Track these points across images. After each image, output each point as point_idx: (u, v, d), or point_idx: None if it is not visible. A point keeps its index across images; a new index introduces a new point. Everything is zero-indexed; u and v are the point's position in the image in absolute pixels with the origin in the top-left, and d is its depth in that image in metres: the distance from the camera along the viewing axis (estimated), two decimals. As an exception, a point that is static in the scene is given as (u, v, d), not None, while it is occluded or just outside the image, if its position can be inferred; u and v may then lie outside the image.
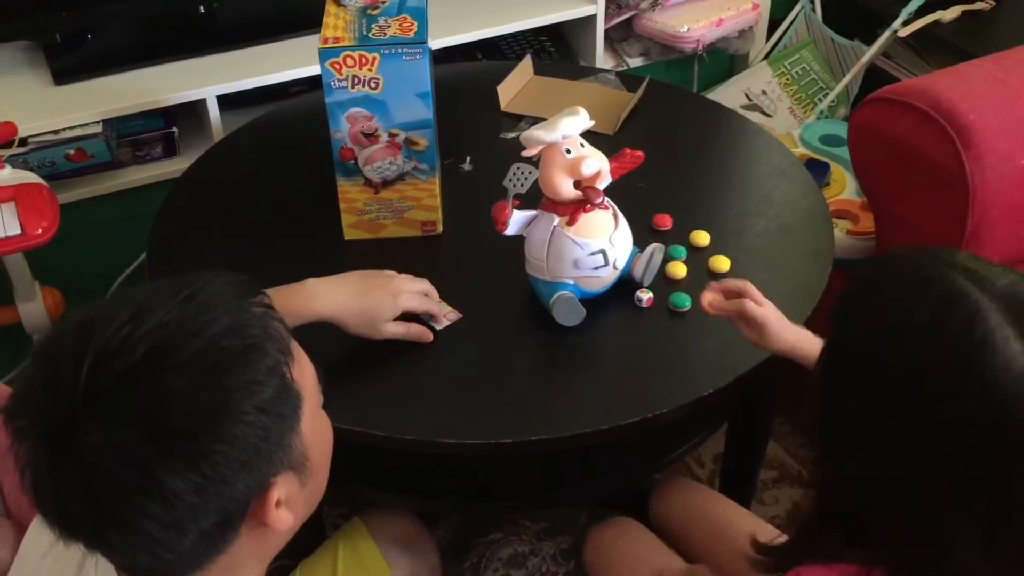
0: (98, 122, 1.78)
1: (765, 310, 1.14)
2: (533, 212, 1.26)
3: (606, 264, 1.25)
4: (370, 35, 1.29)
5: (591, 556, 1.38)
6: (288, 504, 0.76)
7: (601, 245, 1.24)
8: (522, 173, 1.21)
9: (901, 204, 1.49)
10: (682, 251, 1.37)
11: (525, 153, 1.21)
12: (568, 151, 1.20)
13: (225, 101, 1.86)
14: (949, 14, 2.13)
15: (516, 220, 1.25)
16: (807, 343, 1.13)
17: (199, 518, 0.69)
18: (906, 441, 0.75)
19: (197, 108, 1.87)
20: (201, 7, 1.91)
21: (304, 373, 0.77)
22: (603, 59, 2.13)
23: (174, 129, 1.89)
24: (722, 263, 1.35)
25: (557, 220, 1.22)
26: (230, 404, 0.69)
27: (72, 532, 0.70)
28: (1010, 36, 1.99)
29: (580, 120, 1.21)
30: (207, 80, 1.83)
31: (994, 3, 2.16)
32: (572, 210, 1.22)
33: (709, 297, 1.17)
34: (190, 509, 0.68)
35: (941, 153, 1.39)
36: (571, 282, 1.25)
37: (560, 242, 1.23)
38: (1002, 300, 0.73)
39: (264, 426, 0.71)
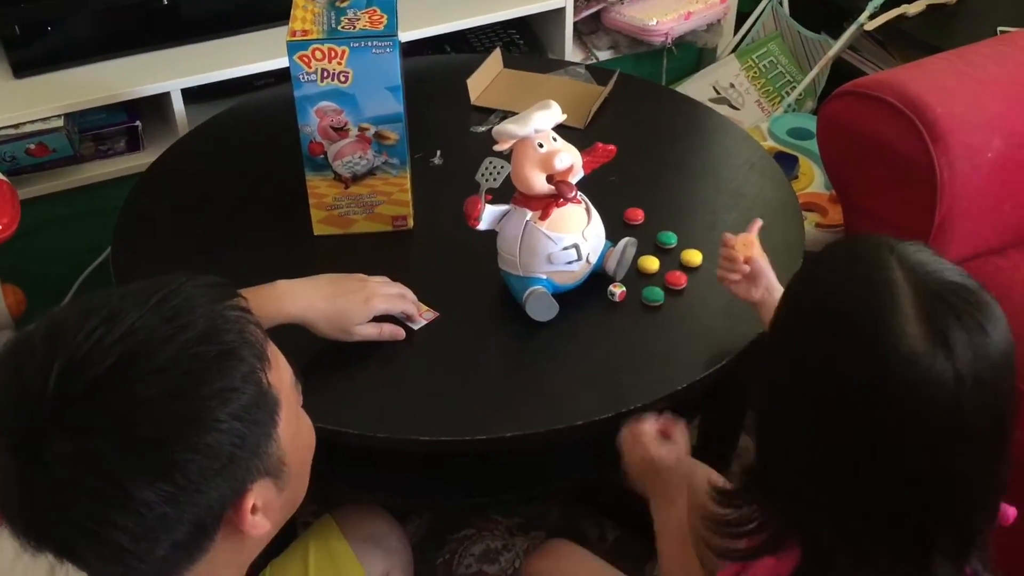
0: (59, 116, 1.75)
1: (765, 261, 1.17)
2: (505, 207, 1.25)
3: (579, 258, 1.24)
4: (339, 28, 1.27)
5: None
6: (265, 510, 0.74)
7: (574, 239, 1.23)
8: (494, 167, 1.20)
9: (870, 197, 1.50)
10: (672, 237, 1.38)
11: (497, 147, 1.20)
12: (540, 145, 1.19)
13: (190, 94, 1.84)
14: (914, 8, 2.15)
15: (488, 215, 1.24)
16: None
17: (172, 528, 0.68)
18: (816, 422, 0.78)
19: (161, 102, 1.84)
20: (164, -1, 1.88)
21: (282, 377, 0.76)
22: (572, 52, 2.13)
23: (138, 123, 1.86)
24: (694, 256, 1.35)
25: (530, 215, 1.22)
26: (204, 412, 0.67)
27: (41, 543, 0.68)
28: (974, 29, 2.01)
29: (552, 114, 1.20)
30: (171, 73, 1.81)
31: (957, -3, 2.18)
32: (545, 204, 1.21)
33: (746, 249, 1.17)
34: (162, 519, 0.67)
35: (909, 146, 1.40)
36: (544, 277, 1.25)
37: (533, 237, 1.22)
38: (924, 290, 0.75)
39: (239, 434, 0.69)
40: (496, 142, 1.21)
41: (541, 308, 1.24)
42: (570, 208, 1.22)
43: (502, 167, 1.20)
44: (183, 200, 1.52)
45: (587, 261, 1.26)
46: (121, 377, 0.66)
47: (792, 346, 0.81)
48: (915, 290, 0.74)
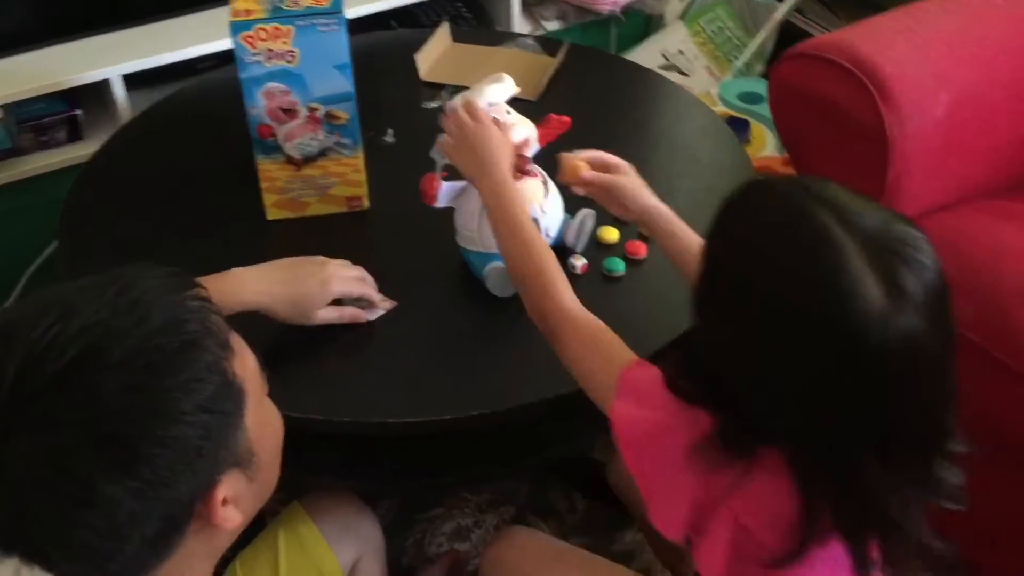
0: (-4, 107, 1.70)
1: (618, 178, 1.16)
2: (462, 183, 1.23)
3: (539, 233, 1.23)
4: (283, 6, 1.24)
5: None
6: (236, 502, 0.73)
7: (532, 213, 1.22)
8: None
9: (822, 159, 1.51)
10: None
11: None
12: (495, 119, 1.18)
13: (131, 80, 1.79)
14: (858, -32, 2.16)
15: (445, 192, 1.23)
16: (663, 213, 1.16)
17: (141, 524, 0.66)
18: (768, 371, 0.77)
19: (101, 89, 1.79)
20: (99, -18, 1.83)
21: (246, 365, 0.74)
22: (520, 24, 2.11)
23: (78, 112, 1.81)
24: (653, 226, 1.35)
25: None
26: (169, 405, 0.66)
27: (6, 547, 0.67)
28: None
29: (506, 87, 1.19)
30: (111, 59, 1.76)
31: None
32: None
33: (573, 173, 1.17)
34: (131, 516, 0.65)
35: (860, 107, 1.40)
36: None
37: None
38: (866, 240, 0.74)
39: (206, 425, 0.68)
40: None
41: (503, 284, 1.24)
42: (527, 182, 1.21)
43: None
44: (130, 190, 1.48)
45: (546, 235, 1.25)
46: (81, 372, 0.64)
47: (737, 306, 0.79)
48: (858, 243, 0.73)
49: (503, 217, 1.07)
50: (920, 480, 0.80)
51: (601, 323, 0.99)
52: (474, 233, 1.23)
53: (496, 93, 1.18)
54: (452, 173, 1.23)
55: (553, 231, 1.26)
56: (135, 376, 0.65)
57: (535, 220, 1.22)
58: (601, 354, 0.96)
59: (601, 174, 1.18)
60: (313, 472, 1.32)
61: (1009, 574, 1.46)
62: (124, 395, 0.64)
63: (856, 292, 0.72)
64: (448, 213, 1.27)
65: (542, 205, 1.23)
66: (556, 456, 1.47)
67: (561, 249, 1.29)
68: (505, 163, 1.10)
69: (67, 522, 0.64)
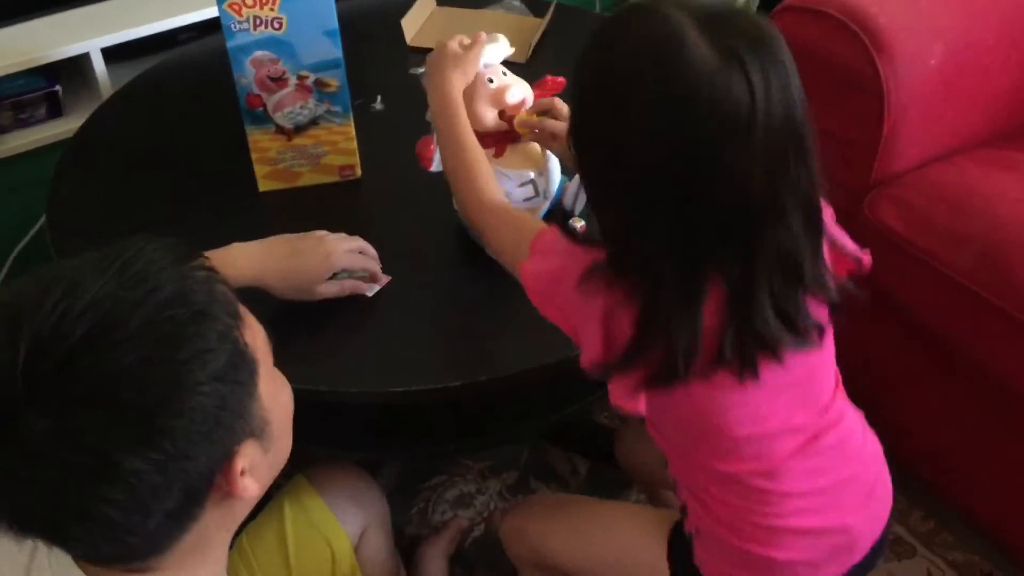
0: (-27, 86, 1.66)
1: (560, 123, 1.18)
2: None
3: (537, 195, 1.22)
4: (268, -28, 1.22)
5: (514, 550, 1.25)
6: (252, 472, 0.72)
7: (531, 176, 1.21)
8: None
9: (817, 110, 1.47)
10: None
11: None
12: (491, 80, 1.16)
13: (110, 54, 1.75)
14: (842, -81, 2.13)
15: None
16: None
17: (163, 498, 0.65)
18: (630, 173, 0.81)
19: (80, 63, 1.75)
20: (73, -46, 1.78)
21: (255, 336, 0.73)
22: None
23: (57, 87, 1.77)
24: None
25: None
26: (184, 376, 0.65)
27: (25, 528, 0.65)
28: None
29: (500, 47, 1.17)
30: (89, 32, 1.72)
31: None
32: (498, 141, 1.18)
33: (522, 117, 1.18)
34: (153, 489, 0.64)
35: (854, 58, 1.39)
36: None
37: None
38: (703, 18, 0.79)
39: (221, 395, 0.67)
40: None
41: None
42: (525, 144, 1.20)
43: None
44: (117, 165, 1.45)
45: (545, 197, 1.23)
46: (94, 348, 0.62)
47: (590, 95, 0.84)
48: (699, 22, 0.78)
49: (444, 128, 1.11)
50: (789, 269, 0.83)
51: (520, 211, 1.09)
52: None
53: (492, 54, 1.16)
54: None
55: (552, 193, 1.24)
56: (149, 349, 0.64)
57: (533, 182, 1.21)
58: (518, 231, 1.01)
59: (545, 119, 1.18)
60: (315, 443, 1.31)
61: (1010, 521, 1.47)
62: (139, 368, 0.63)
63: (687, 56, 0.77)
64: (440, 180, 1.25)
65: (541, 167, 1.21)
66: (556, 420, 1.47)
67: (559, 211, 1.28)
68: (456, 81, 1.13)
69: (90, 499, 0.63)
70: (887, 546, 1.05)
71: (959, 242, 1.38)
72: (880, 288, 1.48)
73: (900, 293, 1.46)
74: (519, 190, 1.21)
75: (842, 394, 1.00)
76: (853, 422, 0.99)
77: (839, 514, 0.96)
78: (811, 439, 0.94)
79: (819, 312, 0.88)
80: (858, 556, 0.98)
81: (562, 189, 1.27)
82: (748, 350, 0.84)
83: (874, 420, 1.62)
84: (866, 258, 0.96)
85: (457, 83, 1.13)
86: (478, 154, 1.09)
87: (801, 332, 0.85)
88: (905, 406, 1.56)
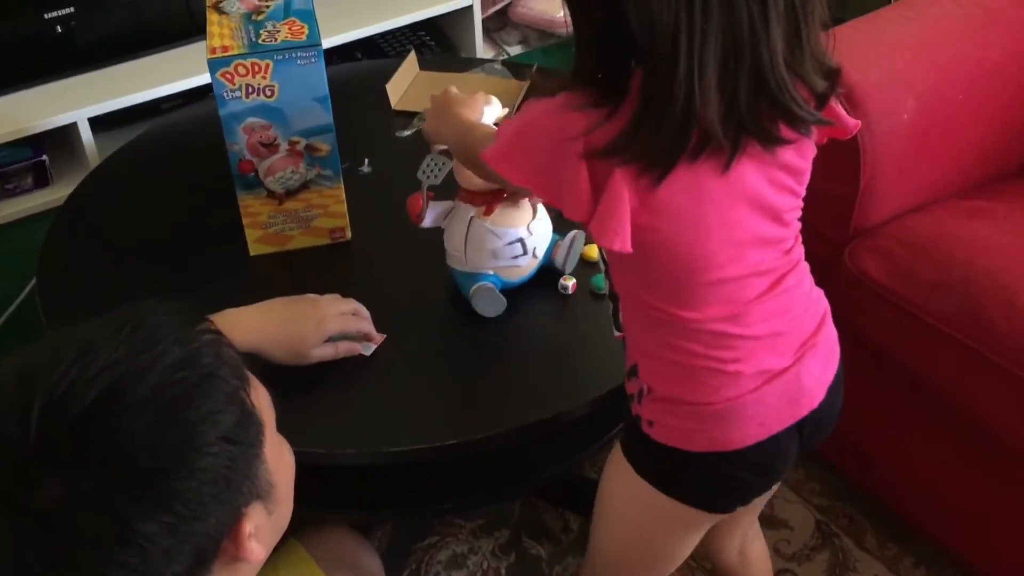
0: (-39, 157, 1.67)
1: None
2: (450, 203, 1.24)
3: (525, 253, 1.24)
4: (260, 41, 1.24)
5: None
6: (257, 535, 0.72)
7: (519, 234, 1.23)
8: (435, 164, 1.20)
9: (797, 167, 1.54)
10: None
11: (439, 146, 1.19)
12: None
13: (96, 123, 1.77)
14: (809, -19, 2.20)
15: (432, 212, 1.23)
16: None
17: (173, 561, 0.66)
18: None
19: (67, 133, 1.77)
20: (57, 27, 1.81)
21: (260, 397, 0.74)
22: (483, 49, 2.12)
23: (44, 157, 1.78)
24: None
25: (474, 210, 1.21)
26: (195, 437, 0.65)
27: None
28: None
29: (494, 109, 1.20)
30: (75, 103, 1.74)
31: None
32: (489, 199, 1.21)
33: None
34: (164, 553, 0.65)
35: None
36: (491, 272, 1.24)
37: (478, 232, 1.21)
38: None
39: (231, 456, 0.67)
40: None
41: (489, 304, 1.24)
42: (514, 203, 1.22)
43: (443, 163, 1.19)
44: (107, 233, 1.46)
45: (533, 255, 1.25)
46: (106, 411, 0.63)
47: None
48: None
49: (461, 146, 1.12)
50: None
51: None
52: (461, 253, 1.24)
53: (487, 114, 1.19)
54: (438, 194, 1.23)
55: (541, 251, 1.26)
56: (159, 411, 0.64)
57: (522, 240, 1.23)
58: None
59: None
60: (305, 505, 1.30)
61: (1002, 568, 1.48)
62: (151, 430, 0.64)
63: None
64: (431, 238, 1.27)
65: (529, 225, 1.24)
66: (549, 477, 1.47)
67: (552, 270, 1.30)
68: (464, 115, 1.15)
69: (103, 563, 0.63)
70: (834, 422, 1.06)
71: (939, 290, 1.41)
72: (862, 336, 1.51)
73: (882, 341, 1.49)
74: (507, 248, 1.23)
75: (800, 238, 1.01)
76: (805, 265, 1.01)
77: (788, 357, 0.97)
78: (775, 282, 0.96)
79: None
80: (805, 409, 0.99)
81: (553, 247, 1.29)
82: (744, 122, 0.84)
83: (861, 467, 1.65)
84: (854, 124, 0.98)
85: (465, 116, 1.15)
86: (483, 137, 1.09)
87: (796, 116, 0.86)
88: (891, 453, 1.58)
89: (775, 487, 1.13)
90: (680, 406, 0.97)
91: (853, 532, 1.66)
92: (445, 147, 1.20)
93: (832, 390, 1.02)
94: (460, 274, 1.26)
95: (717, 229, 0.90)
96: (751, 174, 0.89)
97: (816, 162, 1.48)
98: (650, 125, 0.82)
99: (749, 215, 0.91)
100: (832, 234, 1.51)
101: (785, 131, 0.87)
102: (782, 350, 0.97)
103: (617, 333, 1.07)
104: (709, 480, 1.01)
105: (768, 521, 1.66)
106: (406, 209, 1.26)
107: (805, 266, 1.01)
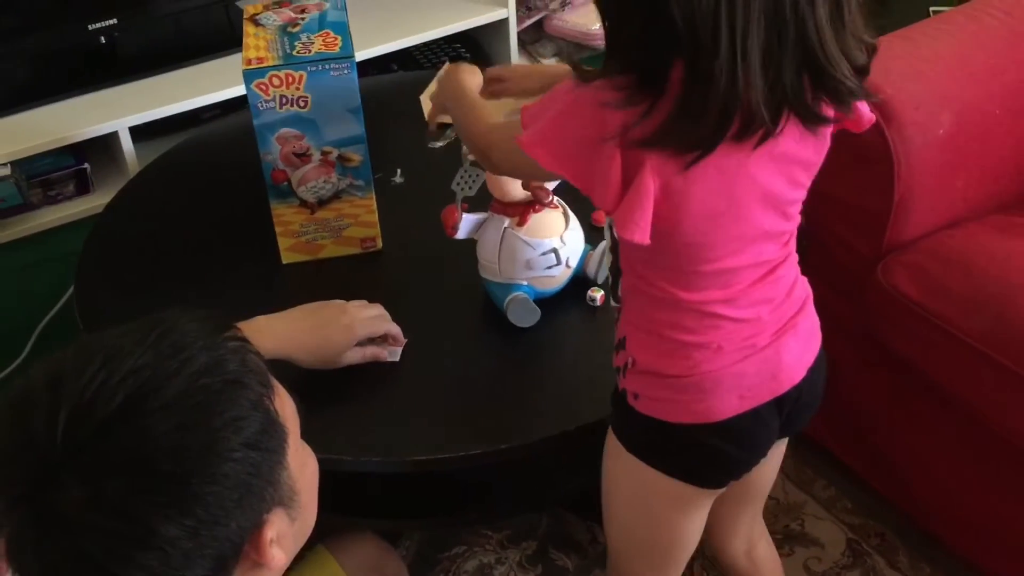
0: (6, 164, 1.71)
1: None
2: (483, 215, 1.25)
3: (559, 263, 1.25)
4: (294, 53, 1.26)
5: None
6: (280, 542, 0.73)
7: (553, 244, 1.23)
8: (469, 176, 1.21)
9: (830, 180, 1.51)
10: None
11: (472, 156, 1.20)
12: None
13: (136, 132, 1.81)
14: (847, -6, 2.19)
15: (466, 223, 1.24)
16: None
17: (194, 564, 0.67)
18: None
19: (108, 142, 1.81)
20: (101, 38, 1.85)
21: (285, 405, 0.75)
22: (518, 61, 2.14)
23: (86, 165, 1.82)
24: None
25: (507, 221, 1.22)
26: (218, 443, 0.66)
27: None
28: (908, 12, 2.06)
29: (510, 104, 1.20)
30: (116, 112, 1.78)
31: (888, -19, 2.24)
32: (522, 210, 1.22)
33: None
34: (185, 556, 0.66)
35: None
36: (525, 283, 1.25)
37: (511, 243, 1.22)
38: None
39: (254, 462, 0.68)
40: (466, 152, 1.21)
41: (523, 314, 1.24)
42: (547, 213, 1.23)
43: (477, 175, 1.20)
44: (144, 240, 1.49)
45: (567, 265, 1.26)
46: (131, 415, 0.64)
47: None
48: None
49: (460, 113, 1.12)
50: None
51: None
52: (495, 264, 1.24)
53: (501, 107, 1.19)
54: (472, 205, 1.24)
55: (574, 261, 1.27)
56: (184, 416, 0.66)
57: (555, 251, 1.23)
58: (511, 130, 0.99)
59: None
60: (334, 512, 1.31)
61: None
62: (175, 435, 0.65)
63: None
64: (460, 249, 1.28)
65: (563, 236, 1.24)
66: (576, 489, 1.47)
67: (582, 280, 1.30)
68: (467, 80, 1.16)
69: (124, 565, 0.65)
70: (816, 404, 1.08)
71: (973, 307, 1.39)
72: (894, 352, 1.49)
73: (914, 357, 1.47)
74: (541, 258, 1.23)
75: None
76: (795, 256, 1.03)
77: (767, 336, 0.99)
78: (769, 271, 0.98)
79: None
80: (785, 385, 1.01)
81: (585, 258, 1.29)
82: (789, 101, 0.84)
83: (893, 484, 1.63)
84: (869, 118, 0.99)
85: (469, 81, 1.16)
86: (486, 109, 1.11)
87: (844, 90, 0.86)
88: (923, 470, 1.56)
89: (772, 478, 1.18)
90: (662, 378, 0.99)
91: (885, 551, 1.64)
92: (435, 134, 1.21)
93: (813, 372, 1.04)
94: (493, 285, 1.27)
95: (731, 224, 0.92)
96: (771, 171, 0.91)
97: (849, 176, 1.49)
98: (695, 112, 0.83)
99: (763, 212, 0.93)
100: (865, 249, 1.50)
101: (826, 109, 0.89)
102: (762, 330, 0.99)
103: (614, 304, 1.09)
104: (693, 452, 1.03)
105: (799, 538, 1.65)
106: (439, 220, 1.27)
107: (795, 256, 1.03)
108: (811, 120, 0.88)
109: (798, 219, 1.00)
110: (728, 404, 0.99)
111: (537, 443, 1.15)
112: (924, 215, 1.49)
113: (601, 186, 0.88)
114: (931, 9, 2.04)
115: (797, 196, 0.97)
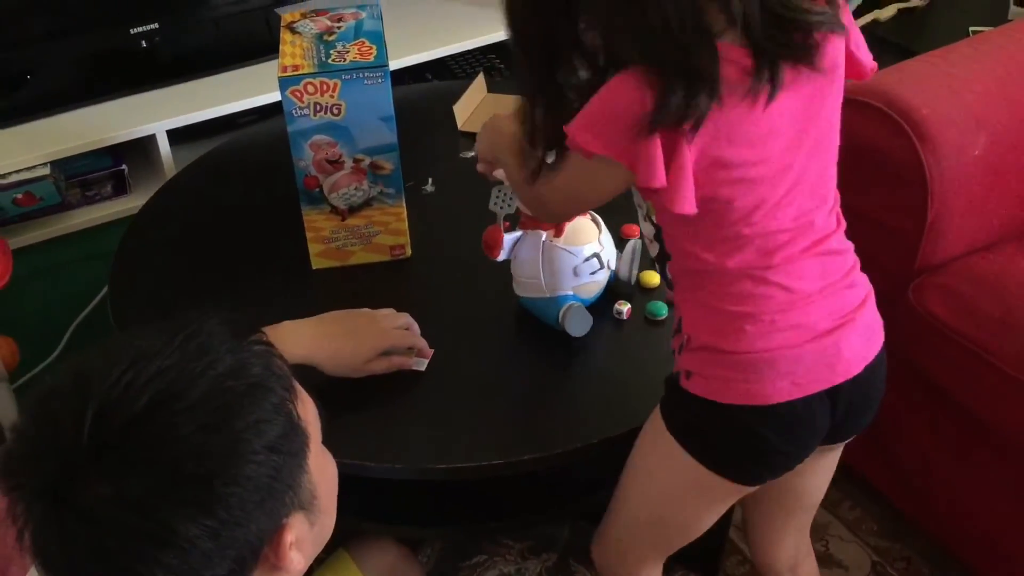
0: (45, 164, 1.74)
1: None
2: (517, 233, 1.25)
3: (602, 266, 1.26)
4: (329, 61, 1.28)
5: None
6: (299, 545, 0.74)
7: (593, 249, 1.24)
8: (504, 194, 1.22)
9: (862, 199, 1.51)
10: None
11: (499, 175, 1.21)
12: None
13: (173, 135, 1.83)
14: (886, 13, 2.18)
15: (506, 244, 1.25)
16: None
17: (213, 565, 0.67)
18: None
19: (145, 144, 1.83)
20: (142, 42, 1.88)
21: (307, 410, 0.76)
22: (552, 73, 2.14)
23: (124, 166, 1.85)
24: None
25: (544, 235, 1.22)
26: (240, 445, 0.67)
27: None
28: (946, 31, 2.04)
29: None
30: (155, 115, 1.80)
31: (928, 1, 2.22)
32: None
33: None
34: (205, 556, 0.66)
35: (898, 148, 1.41)
36: (571, 292, 1.25)
37: (553, 255, 1.22)
38: None
39: (275, 465, 0.69)
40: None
41: (579, 322, 1.24)
42: (580, 220, 1.23)
43: (512, 192, 1.21)
44: (178, 241, 1.51)
45: (608, 267, 1.26)
46: (157, 415, 0.65)
47: None
48: None
49: (511, 156, 1.12)
50: None
51: None
52: (538, 280, 1.24)
53: None
54: (513, 223, 1.25)
55: (613, 264, 1.28)
56: (209, 417, 0.66)
57: (597, 255, 1.24)
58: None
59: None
60: (356, 516, 1.32)
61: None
62: (199, 436, 0.66)
63: None
64: (488, 259, 1.28)
65: (600, 239, 1.25)
66: (597, 501, 1.47)
67: (613, 287, 1.31)
68: (517, 134, 1.15)
69: (145, 563, 0.66)
70: (872, 408, 1.07)
71: (1006, 331, 1.38)
72: (925, 374, 1.48)
73: (946, 380, 1.46)
74: (586, 264, 1.24)
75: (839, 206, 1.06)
76: (849, 244, 1.05)
77: (827, 321, 1.00)
78: (818, 240, 1.00)
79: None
80: (840, 376, 1.00)
81: (616, 261, 1.30)
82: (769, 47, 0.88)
83: (920, 507, 1.61)
84: (872, 64, 1.03)
85: (515, 129, 1.14)
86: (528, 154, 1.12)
87: (811, 23, 0.90)
88: (952, 494, 1.54)
89: (823, 489, 1.18)
90: (716, 354, 1.00)
91: None
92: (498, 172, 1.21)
93: (871, 370, 1.03)
94: (538, 301, 1.26)
95: (766, 180, 0.94)
96: (794, 116, 0.93)
97: (882, 196, 1.47)
98: (679, 84, 0.86)
99: (794, 159, 0.95)
100: (896, 269, 1.49)
101: (810, 39, 0.91)
102: (819, 312, 0.99)
103: (669, 291, 1.12)
104: (737, 438, 1.02)
105: (823, 560, 1.63)
106: (468, 229, 1.28)
107: (849, 245, 1.04)
108: (805, 57, 0.91)
109: (836, 193, 1.03)
110: (780, 388, 0.98)
111: (557, 456, 1.14)
112: (957, 236, 1.48)
113: (647, 163, 0.91)
114: (970, 29, 2.02)
115: (830, 138, 1.01)
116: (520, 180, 1.10)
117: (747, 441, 1.02)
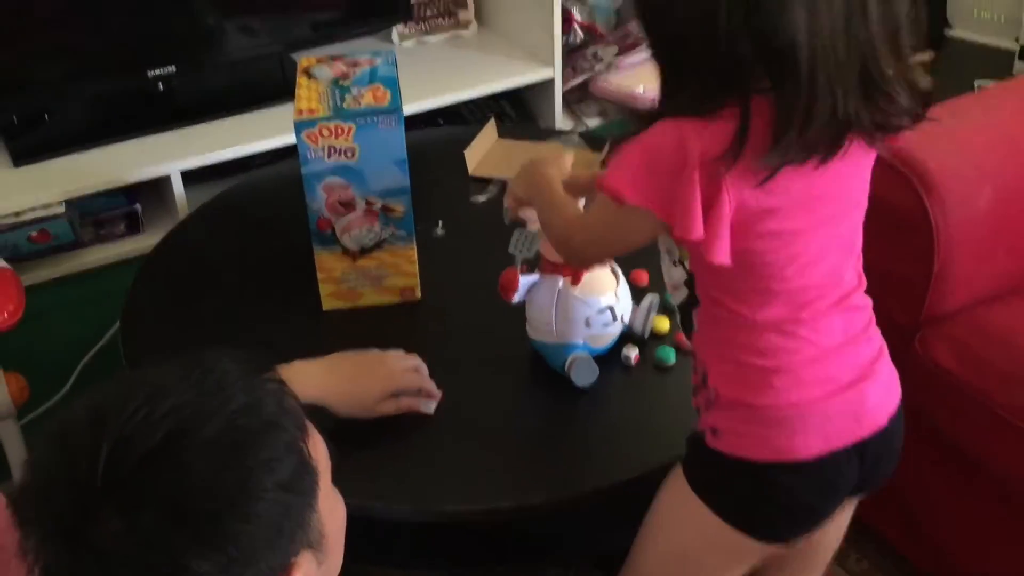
0: (61, 202, 1.76)
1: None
2: (533, 277, 1.26)
3: (615, 320, 1.26)
4: (344, 105, 1.30)
5: None
6: None
7: (609, 301, 1.25)
8: (525, 238, 1.23)
9: (870, 249, 1.52)
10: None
11: (525, 218, 1.22)
12: None
13: (188, 176, 1.85)
14: (892, 66, 2.20)
15: (521, 287, 1.25)
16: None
17: None
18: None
19: (160, 184, 1.85)
20: (160, 84, 1.91)
21: (318, 449, 0.76)
22: (562, 121, 2.17)
23: (137, 206, 1.87)
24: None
25: (561, 281, 1.23)
26: (252, 483, 0.68)
27: None
28: (952, 85, 2.06)
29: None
30: (169, 156, 1.82)
31: (934, 55, 2.25)
32: (575, 270, 1.22)
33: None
34: None
35: (905, 199, 1.43)
36: (581, 342, 1.25)
37: (568, 303, 1.23)
38: None
39: (285, 504, 0.69)
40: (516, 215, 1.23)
41: (586, 373, 1.24)
42: (598, 270, 1.24)
43: (533, 237, 1.22)
44: (190, 281, 1.52)
45: (622, 321, 1.27)
46: (170, 452, 0.66)
47: None
48: None
49: (545, 203, 1.14)
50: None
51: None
52: (550, 326, 1.24)
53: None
54: (530, 267, 1.26)
55: (627, 317, 1.29)
56: (222, 455, 0.67)
57: (611, 308, 1.24)
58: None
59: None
60: (358, 558, 1.31)
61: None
62: (211, 473, 0.66)
63: None
64: (499, 303, 1.29)
65: (616, 291, 1.26)
66: (605, 547, 1.46)
67: (625, 336, 1.31)
68: (553, 172, 1.17)
69: None
70: (894, 460, 1.07)
71: (1014, 383, 1.38)
72: (933, 424, 1.47)
73: (954, 432, 1.46)
74: (599, 316, 1.24)
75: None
76: (868, 299, 1.05)
77: (850, 373, 1.00)
78: (844, 296, 1.00)
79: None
80: (867, 429, 1.01)
81: (631, 314, 1.30)
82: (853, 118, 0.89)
83: (933, 560, 1.59)
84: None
85: (555, 175, 1.17)
86: (572, 203, 1.13)
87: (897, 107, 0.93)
88: (964, 547, 1.53)
89: (838, 541, 1.18)
90: (746, 410, 0.99)
91: (918, 628, 1.61)
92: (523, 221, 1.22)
93: (893, 422, 1.04)
94: (548, 346, 1.27)
95: (801, 237, 0.95)
96: (837, 180, 0.95)
97: (888, 246, 1.48)
98: (795, 127, 0.87)
99: (829, 222, 0.96)
100: (903, 319, 1.49)
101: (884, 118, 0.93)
102: (843, 364, 1.00)
103: (682, 336, 1.13)
104: (768, 496, 1.01)
105: (828, 610, 1.62)
106: (478, 273, 1.29)
107: (868, 300, 1.05)
108: (872, 132, 0.93)
109: (860, 242, 1.04)
110: (810, 443, 0.98)
111: (564, 501, 1.15)
112: (963, 287, 1.49)
113: (685, 214, 0.91)
114: (976, 83, 2.05)
115: (864, 194, 1.01)
116: (550, 222, 1.11)
117: (778, 498, 1.01)
